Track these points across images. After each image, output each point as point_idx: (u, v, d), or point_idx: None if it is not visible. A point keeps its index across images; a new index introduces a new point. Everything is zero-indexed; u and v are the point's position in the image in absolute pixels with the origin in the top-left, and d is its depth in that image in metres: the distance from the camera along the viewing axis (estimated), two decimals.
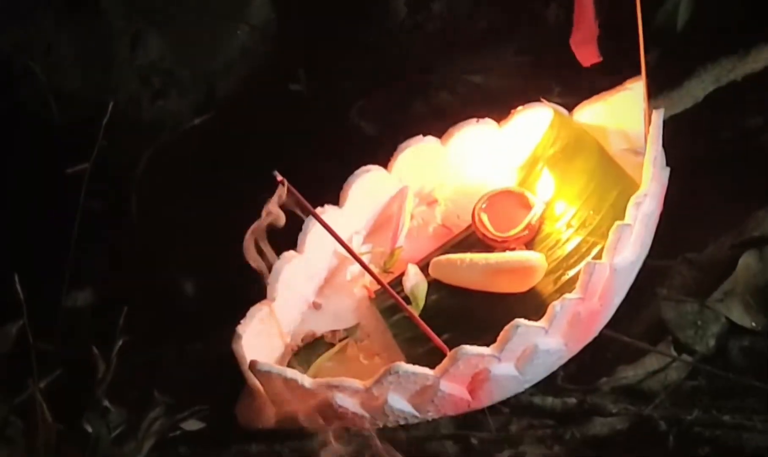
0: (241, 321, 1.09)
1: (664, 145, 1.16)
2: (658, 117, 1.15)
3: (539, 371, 1.08)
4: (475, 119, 1.22)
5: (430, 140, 1.21)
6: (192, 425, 1.12)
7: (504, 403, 1.08)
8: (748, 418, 1.01)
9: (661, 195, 1.15)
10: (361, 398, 1.04)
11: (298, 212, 1.12)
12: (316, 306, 1.18)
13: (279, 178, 1.02)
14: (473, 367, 1.04)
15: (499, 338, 1.03)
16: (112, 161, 1.36)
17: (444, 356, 1.04)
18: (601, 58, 1.16)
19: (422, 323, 1.07)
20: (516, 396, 1.08)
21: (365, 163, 1.21)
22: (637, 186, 1.12)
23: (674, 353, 1.10)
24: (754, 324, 1.11)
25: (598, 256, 1.10)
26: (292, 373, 1.04)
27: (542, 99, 1.23)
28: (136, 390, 1.13)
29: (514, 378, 1.06)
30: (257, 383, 1.07)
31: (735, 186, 1.22)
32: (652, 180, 1.12)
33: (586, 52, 1.16)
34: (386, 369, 1.02)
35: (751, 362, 1.08)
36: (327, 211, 1.16)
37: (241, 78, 1.47)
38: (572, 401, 1.08)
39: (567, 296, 1.05)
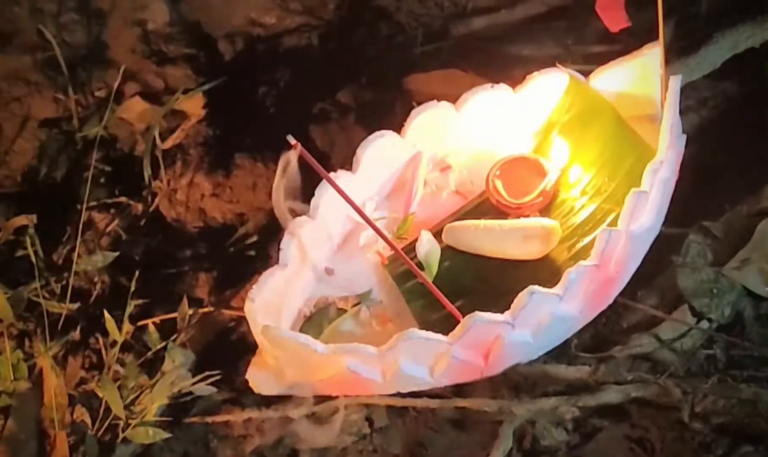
0: (254, 286, 1.08)
1: (680, 112, 1.15)
2: (675, 83, 1.13)
3: (553, 339, 1.08)
4: (489, 84, 1.21)
5: (444, 106, 1.19)
6: (203, 389, 1.12)
7: (517, 370, 1.08)
8: (764, 387, 1.00)
9: (678, 162, 1.14)
10: (374, 364, 1.04)
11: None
12: (329, 272, 1.17)
13: (293, 142, 1.00)
14: (487, 334, 1.03)
15: (513, 305, 1.02)
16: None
17: (457, 322, 1.03)
18: (629, 23, 1.13)
19: (435, 289, 1.06)
20: (529, 363, 1.08)
21: (379, 128, 1.20)
22: (654, 153, 1.10)
23: (690, 321, 1.09)
24: None
25: (613, 223, 1.09)
26: (304, 338, 1.03)
27: (558, 64, 1.21)
28: (147, 353, 1.14)
29: (528, 345, 1.06)
30: (269, 348, 1.07)
31: (752, 154, 1.20)
32: (668, 147, 1.10)
33: (614, 16, 1.14)
34: (399, 335, 1.01)
35: (767, 330, 1.07)
36: (340, 176, 1.14)
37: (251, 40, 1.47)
38: (586, 368, 1.08)
39: (582, 263, 1.04)
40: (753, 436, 0.97)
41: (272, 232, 1.20)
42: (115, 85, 1.42)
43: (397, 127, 1.20)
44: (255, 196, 1.33)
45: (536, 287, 1.02)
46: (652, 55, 1.17)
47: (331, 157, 1.33)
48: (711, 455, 0.97)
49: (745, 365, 1.04)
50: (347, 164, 1.17)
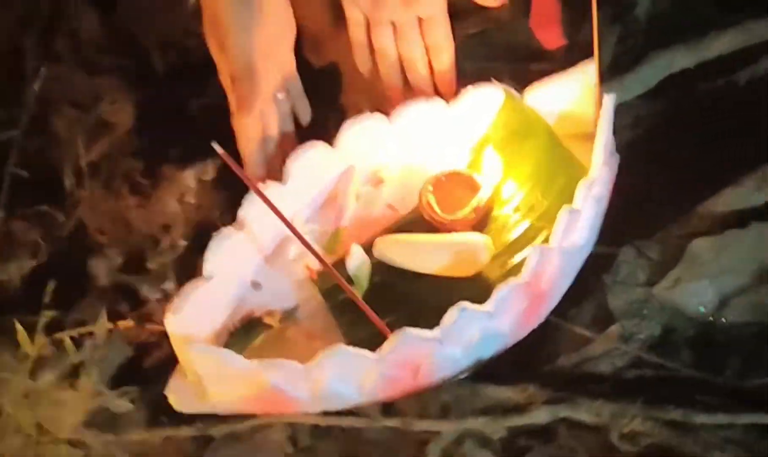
0: (175, 298, 1.05)
1: (615, 131, 1.15)
2: (609, 102, 1.12)
3: (483, 356, 1.06)
4: (423, 97, 1.20)
5: (378, 118, 1.18)
6: (121, 406, 1.08)
7: (446, 388, 1.06)
8: (693, 409, 0.99)
9: (611, 181, 1.13)
10: (299, 381, 1.01)
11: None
12: (255, 285, 1.14)
13: (218, 150, 0.98)
14: (416, 350, 1.01)
15: (442, 322, 1.00)
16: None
17: (386, 338, 1.01)
18: (565, 41, 1.13)
19: (364, 304, 1.04)
20: (458, 381, 1.06)
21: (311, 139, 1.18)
22: (587, 171, 1.09)
23: (620, 341, 1.08)
24: (703, 311, 1.09)
25: (546, 240, 1.08)
26: (227, 354, 1.01)
27: (493, 79, 1.20)
28: (62, 368, 1.10)
29: (457, 362, 1.04)
30: (191, 363, 1.03)
31: (684, 174, 1.19)
32: (601, 165, 1.10)
33: (549, 34, 1.13)
34: (326, 351, 0.99)
35: (697, 353, 1.06)
36: (269, 188, 1.12)
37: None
38: (514, 387, 1.05)
39: (513, 280, 1.03)
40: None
41: (199, 244, 1.16)
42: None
43: (330, 140, 1.18)
44: (182, 207, 1.30)
45: (466, 304, 1.01)
46: (588, 72, 1.17)
47: None
48: None
49: (674, 386, 1.03)
50: (279, 176, 1.15)
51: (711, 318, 1.09)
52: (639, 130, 1.26)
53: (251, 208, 1.11)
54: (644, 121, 1.27)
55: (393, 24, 1.26)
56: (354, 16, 1.28)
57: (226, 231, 1.10)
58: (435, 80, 1.28)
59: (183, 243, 1.23)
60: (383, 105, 1.25)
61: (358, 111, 1.22)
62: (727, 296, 1.09)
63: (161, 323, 1.08)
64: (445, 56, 1.27)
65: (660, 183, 1.20)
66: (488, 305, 1.02)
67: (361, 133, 1.17)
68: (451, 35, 1.27)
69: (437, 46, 1.26)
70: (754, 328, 1.07)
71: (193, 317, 1.05)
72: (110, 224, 1.27)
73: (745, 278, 1.10)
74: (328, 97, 1.34)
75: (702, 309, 1.10)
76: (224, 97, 1.32)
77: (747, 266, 1.10)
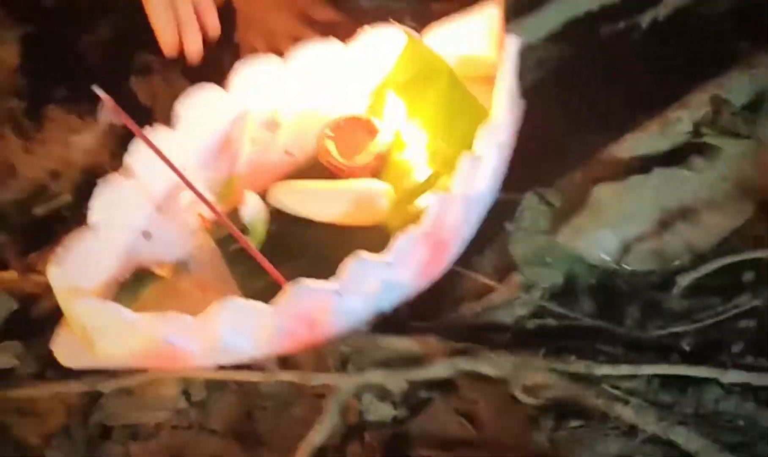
0: (59, 249, 0.99)
1: (517, 75, 1.12)
2: (512, 44, 1.09)
3: (382, 307, 1.03)
4: (320, 38, 1.15)
5: (272, 59, 1.12)
6: (4, 362, 1.03)
7: (345, 341, 1.03)
8: (594, 360, 0.98)
9: (514, 126, 1.11)
10: (191, 334, 0.96)
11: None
12: (146, 235, 1.08)
13: (101, 94, 0.92)
14: (312, 301, 0.97)
15: (339, 271, 0.97)
16: None
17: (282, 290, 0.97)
18: None
19: (258, 254, 1.00)
20: (357, 333, 1.03)
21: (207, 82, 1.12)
22: (489, 116, 1.07)
23: (522, 290, 1.06)
24: (605, 259, 1.08)
25: (447, 187, 1.05)
26: (115, 307, 0.95)
27: (392, 20, 1.16)
28: None
29: (356, 314, 1.01)
30: (77, 317, 0.98)
31: (588, 119, 1.17)
32: (503, 109, 1.06)
33: None
34: (219, 303, 0.94)
35: (599, 302, 1.04)
36: (158, 133, 1.06)
37: None
38: (415, 338, 1.03)
39: (412, 228, 1.00)
40: (582, 410, 0.94)
41: (88, 192, 1.10)
42: None
43: (224, 82, 1.12)
44: (70, 152, 1.23)
45: (364, 253, 0.97)
46: (491, 13, 1.14)
47: (153, 112, 1.25)
48: (539, 429, 0.94)
49: (576, 336, 1.01)
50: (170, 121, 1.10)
51: (613, 266, 1.07)
52: (542, 73, 1.24)
53: (140, 154, 1.05)
54: (548, 64, 1.24)
55: None
56: None
57: (113, 178, 1.04)
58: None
59: (69, 191, 1.18)
60: (280, 44, 1.21)
61: (253, 51, 1.18)
62: (630, 243, 1.07)
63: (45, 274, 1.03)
64: None
65: (563, 128, 1.18)
66: (387, 255, 0.98)
67: (256, 75, 1.12)
68: None
69: None
70: (656, 276, 1.07)
71: (78, 269, 1.00)
72: None
73: (648, 225, 1.08)
74: (222, 35, 1.29)
75: (604, 257, 1.08)
76: (116, 34, 1.28)
77: (650, 213, 1.08)
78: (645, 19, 1.24)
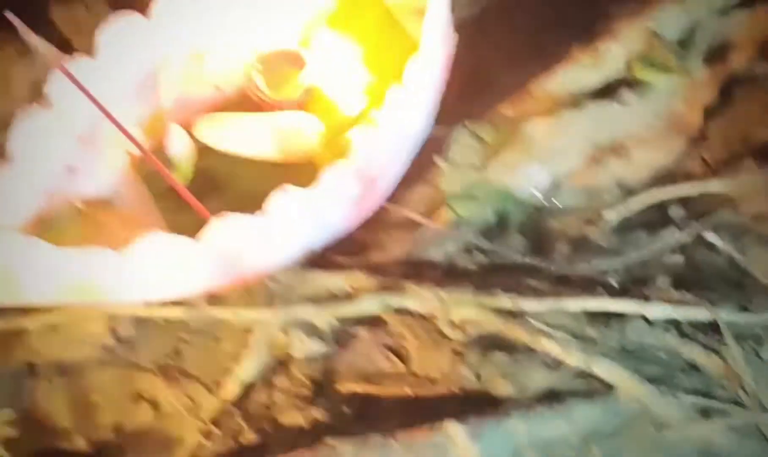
0: None
1: (451, 8, 1.10)
2: None
3: (312, 243, 1.02)
4: None
5: None
6: None
7: (272, 276, 1.03)
8: (523, 295, 0.98)
9: (445, 59, 1.10)
10: (117, 270, 0.93)
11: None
12: (70, 170, 1.05)
13: (13, 19, 0.88)
14: (239, 235, 0.96)
15: (266, 205, 0.95)
16: None
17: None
18: None
19: (183, 188, 0.98)
20: (286, 269, 1.02)
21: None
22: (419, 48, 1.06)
23: (451, 227, 1.06)
24: (536, 195, 1.08)
25: (376, 121, 1.04)
26: (37, 242, 0.92)
27: None
28: None
29: (284, 249, 1.00)
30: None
31: (520, 54, 1.17)
32: (434, 42, 1.05)
33: None
34: (144, 238, 0.92)
35: (529, 238, 1.05)
36: (78, 62, 1.03)
37: None
38: (343, 274, 1.03)
39: (341, 162, 0.99)
40: (508, 344, 0.96)
41: (6, 125, 1.07)
42: None
43: (146, 10, 1.08)
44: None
45: (290, 186, 0.96)
46: None
47: (73, 42, 1.21)
48: (465, 363, 0.95)
49: (505, 272, 1.02)
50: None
51: (544, 202, 1.08)
52: (475, 8, 1.24)
53: (60, 85, 1.02)
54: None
55: None
56: None
57: (32, 110, 1.01)
58: None
59: None
60: None
61: None
62: (560, 178, 1.09)
63: None
64: None
65: (495, 62, 1.17)
66: (314, 188, 0.97)
67: (180, 3, 1.08)
68: None
69: None
70: (585, 212, 1.08)
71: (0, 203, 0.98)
72: None
73: (579, 160, 1.10)
74: None
75: (535, 192, 1.09)
76: None
77: (581, 148, 1.10)
78: None
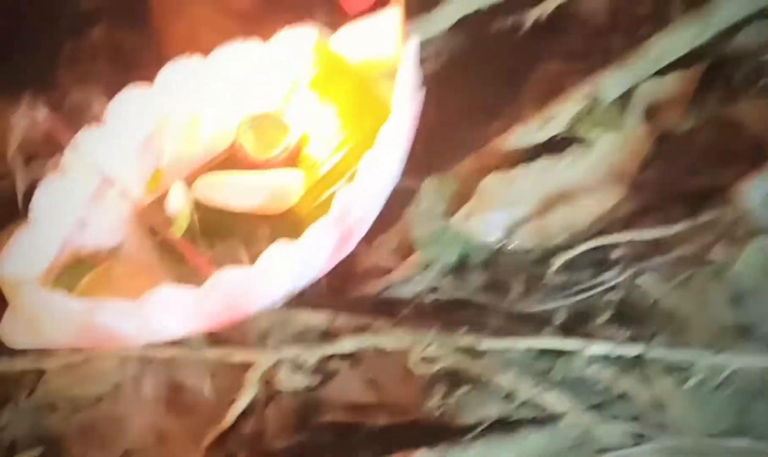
0: (5, 247, 1.10)
1: (421, 62, 1.24)
2: (411, 43, 1.21)
3: (296, 286, 1.15)
4: (240, 37, 1.26)
5: (194, 58, 1.23)
6: None
7: (265, 317, 1.16)
8: (480, 333, 1.12)
9: (413, 117, 1.23)
10: (127, 317, 1.07)
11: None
12: (81, 224, 1.19)
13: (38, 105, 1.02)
14: (235, 284, 1.09)
15: (259, 258, 1.08)
16: None
17: (208, 274, 1.08)
18: (370, 4, 1.22)
19: (183, 242, 1.12)
20: (274, 310, 1.16)
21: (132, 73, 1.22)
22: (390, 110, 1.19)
23: (420, 268, 1.20)
24: (493, 239, 1.22)
25: (353, 177, 1.16)
26: (56, 296, 1.07)
27: (305, 19, 1.27)
28: None
29: (274, 294, 1.13)
30: (22, 306, 1.09)
31: (479, 110, 1.31)
32: (403, 105, 1.18)
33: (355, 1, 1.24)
34: (152, 289, 1.05)
35: (487, 278, 1.19)
36: (91, 129, 1.17)
37: None
38: (325, 314, 1.16)
39: (323, 217, 1.11)
40: (469, 378, 1.09)
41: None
42: None
43: (152, 73, 1.23)
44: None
45: (281, 241, 1.09)
46: (394, 13, 1.26)
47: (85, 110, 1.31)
48: (432, 396, 1.09)
49: (466, 310, 1.16)
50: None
51: (500, 245, 1.22)
52: (441, 62, 1.38)
53: (75, 153, 1.16)
54: (445, 54, 1.38)
55: None
56: None
57: (52, 176, 1.15)
58: None
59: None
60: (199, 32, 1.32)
61: (171, 35, 1.30)
62: (514, 224, 1.23)
63: None
64: None
65: (457, 118, 1.31)
66: (301, 242, 1.11)
67: (179, 73, 1.23)
68: None
69: None
70: (536, 253, 1.22)
71: (21, 260, 1.11)
72: None
73: (531, 208, 1.23)
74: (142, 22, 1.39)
75: (492, 237, 1.23)
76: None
77: (532, 197, 1.24)
78: (529, 18, 1.38)
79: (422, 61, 1.29)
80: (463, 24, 1.37)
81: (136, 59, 1.35)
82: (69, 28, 1.40)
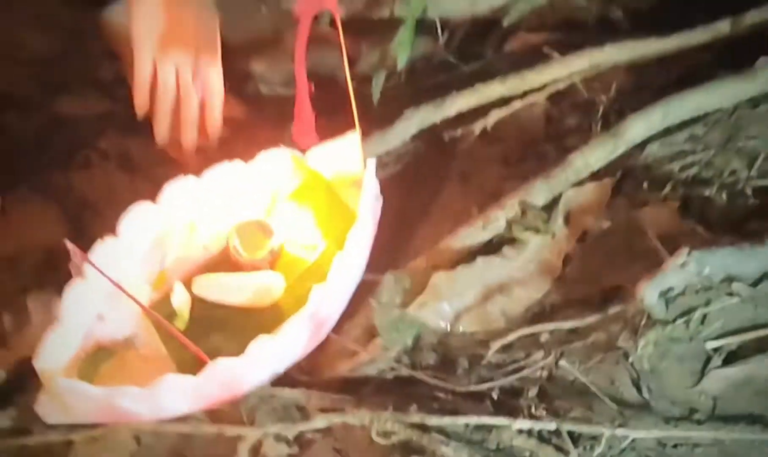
0: (41, 343, 1.32)
1: (382, 166, 1.48)
2: (370, 162, 1.45)
3: (277, 369, 1.38)
4: (227, 160, 1.51)
5: (191, 178, 1.48)
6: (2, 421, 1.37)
7: (254, 394, 1.38)
8: (430, 411, 1.33)
9: (375, 221, 1.47)
10: (142, 401, 1.30)
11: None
12: (100, 318, 1.41)
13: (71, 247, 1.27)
14: (229, 372, 1.32)
15: (248, 350, 1.31)
16: None
17: (206, 362, 1.31)
18: (318, 140, 1.48)
19: (182, 336, 1.34)
20: (261, 388, 1.38)
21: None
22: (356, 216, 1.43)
23: (381, 352, 1.42)
24: (442, 325, 1.45)
25: (325, 276, 1.39)
26: (83, 386, 1.30)
27: (281, 145, 1.53)
28: None
29: (261, 378, 1.37)
30: (53, 390, 1.32)
31: (431, 212, 1.57)
32: (367, 211, 1.43)
33: (306, 140, 1.48)
34: (162, 378, 1.28)
35: (437, 359, 1.42)
36: (107, 241, 1.41)
37: None
38: (301, 391, 1.38)
39: (300, 311, 1.34)
40: (417, 449, 1.30)
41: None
42: None
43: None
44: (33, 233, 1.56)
45: (266, 336, 1.32)
46: (354, 137, 1.52)
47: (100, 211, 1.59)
48: None
49: (418, 387, 1.38)
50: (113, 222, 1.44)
51: (448, 330, 1.46)
52: (399, 166, 1.63)
53: (94, 264, 1.38)
54: (404, 158, 1.65)
55: (176, 68, 1.55)
56: (143, 57, 1.55)
57: (76, 282, 1.38)
58: (204, 120, 1.59)
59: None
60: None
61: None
62: (460, 312, 1.47)
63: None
64: (215, 99, 1.57)
65: (412, 221, 1.57)
66: (282, 334, 1.35)
67: (179, 190, 1.48)
68: (221, 80, 1.57)
69: (210, 89, 1.56)
70: (479, 335, 1.45)
71: (53, 353, 1.35)
72: None
73: (473, 298, 1.48)
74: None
75: (442, 323, 1.47)
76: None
77: (475, 290, 1.48)
78: (476, 128, 1.64)
79: (384, 165, 1.54)
80: (420, 135, 1.63)
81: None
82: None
